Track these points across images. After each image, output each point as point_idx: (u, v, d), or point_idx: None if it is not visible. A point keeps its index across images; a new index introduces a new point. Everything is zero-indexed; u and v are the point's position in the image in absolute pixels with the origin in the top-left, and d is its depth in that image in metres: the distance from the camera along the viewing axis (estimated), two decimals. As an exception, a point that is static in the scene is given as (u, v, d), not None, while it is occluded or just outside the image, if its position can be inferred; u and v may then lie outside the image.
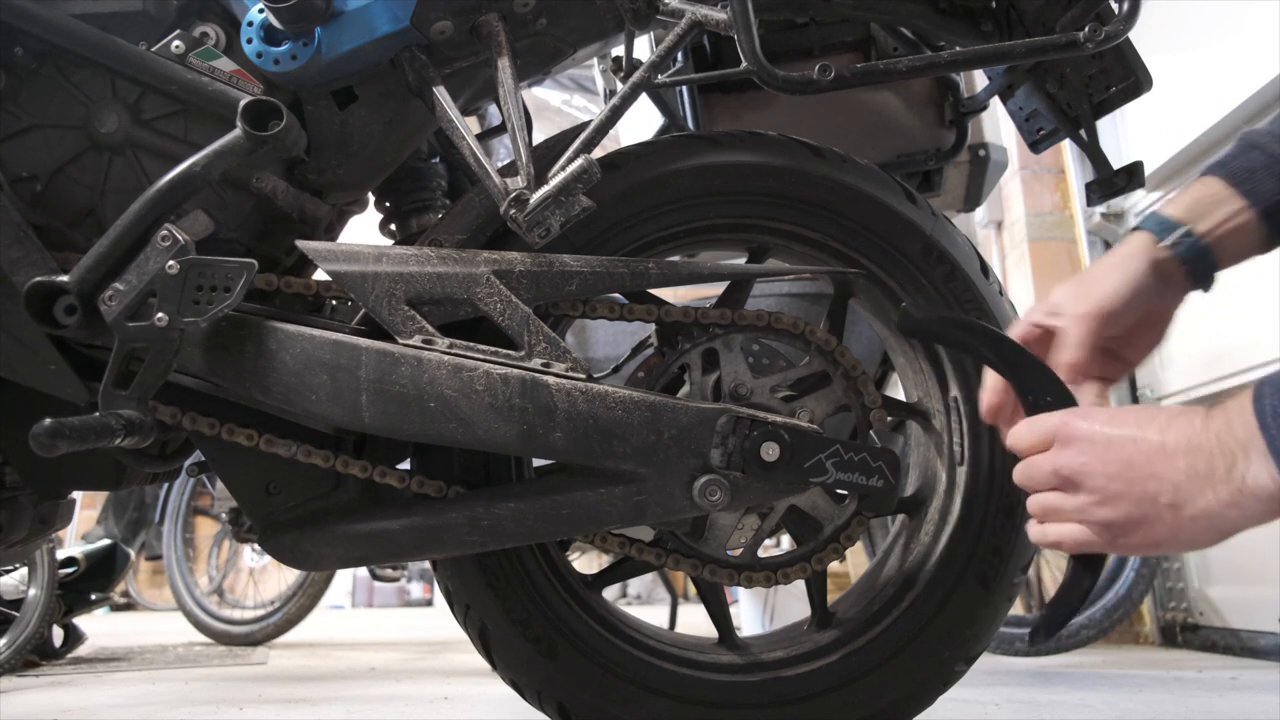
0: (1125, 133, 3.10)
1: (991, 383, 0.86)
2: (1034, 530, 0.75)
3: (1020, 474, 0.75)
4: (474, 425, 0.93)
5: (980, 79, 1.67)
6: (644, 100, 1.60)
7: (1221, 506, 0.63)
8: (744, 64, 0.96)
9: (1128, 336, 0.85)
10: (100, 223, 1.05)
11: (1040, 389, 0.78)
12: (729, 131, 1.12)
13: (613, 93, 1.03)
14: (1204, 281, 0.84)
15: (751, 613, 2.87)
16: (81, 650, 2.90)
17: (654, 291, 1.08)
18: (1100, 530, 0.69)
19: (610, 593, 6.37)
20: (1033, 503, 0.74)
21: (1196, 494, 0.64)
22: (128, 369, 0.93)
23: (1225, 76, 2.68)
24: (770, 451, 0.96)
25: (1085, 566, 0.78)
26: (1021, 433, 0.74)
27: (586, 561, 5.23)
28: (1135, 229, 0.85)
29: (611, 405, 0.95)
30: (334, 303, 1.17)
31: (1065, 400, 0.77)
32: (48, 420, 0.83)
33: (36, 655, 2.62)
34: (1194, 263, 0.82)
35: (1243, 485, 0.62)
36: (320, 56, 1.03)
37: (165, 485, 3.89)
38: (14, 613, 2.49)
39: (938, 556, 1.08)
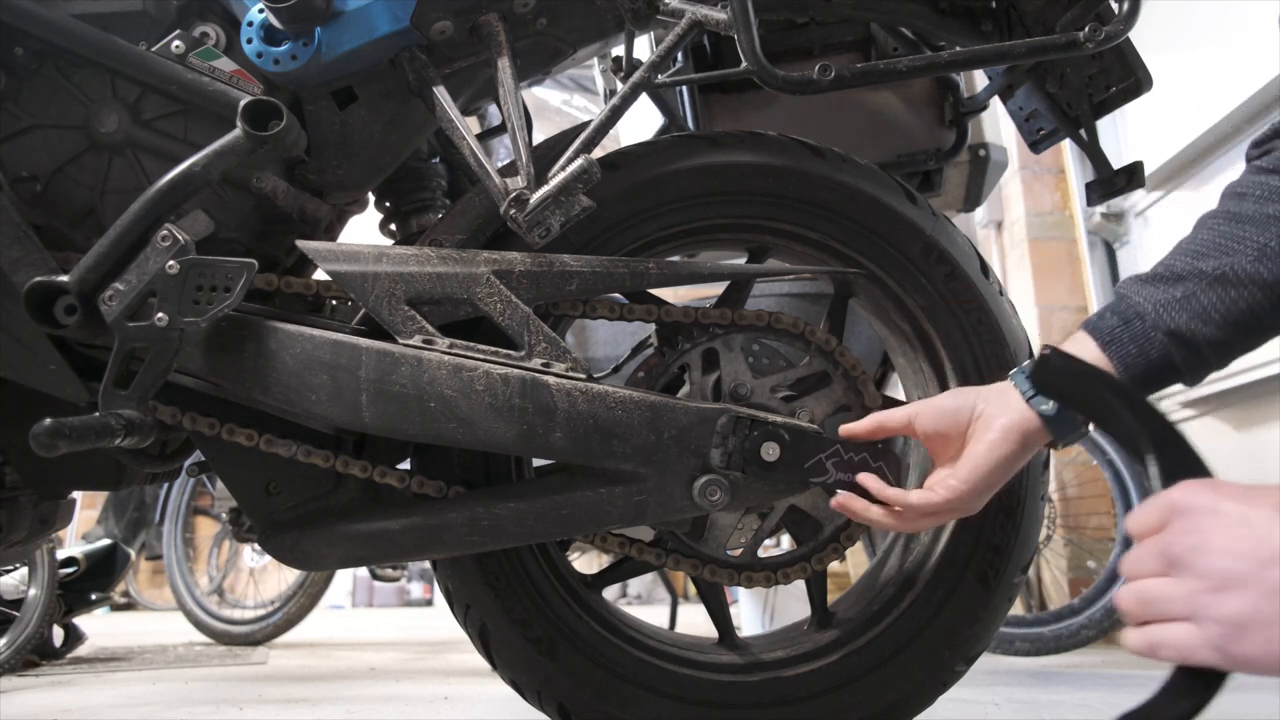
0: (1125, 133, 3.10)
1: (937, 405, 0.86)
2: (1132, 636, 0.57)
3: (1125, 564, 0.59)
4: (474, 425, 0.93)
5: (980, 79, 1.67)
6: (644, 100, 1.60)
7: None
8: (744, 64, 0.96)
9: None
10: (100, 223, 1.05)
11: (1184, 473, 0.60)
12: (729, 131, 1.12)
13: (613, 93, 1.03)
14: (1064, 440, 0.82)
15: (751, 613, 2.87)
16: (81, 650, 2.89)
17: (654, 291, 1.08)
18: (1213, 629, 0.51)
19: (610, 593, 6.37)
20: (1126, 594, 0.58)
21: None
22: (128, 369, 0.93)
23: (1225, 76, 2.68)
24: (770, 451, 0.96)
25: (1190, 684, 0.55)
26: (1138, 516, 0.59)
27: (586, 561, 5.23)
28: (1014, 381, 0.83)
29: (611, 405, 0.95)
30: (334, 303, 1.17)
31: None
32: (48, 420, 0.83)
33: (36, 655, 2.62)
34: (1060, 430, 0.81)
35: None
36: (320, 56, 1.03)
37: (165, 485, 3.89)
38: (14, 613, 2.49)
39: (938, 556, 1.08)
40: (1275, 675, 0.49)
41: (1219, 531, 0.52)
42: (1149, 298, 0.79)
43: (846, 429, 0.94)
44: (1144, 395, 0.70)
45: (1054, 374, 0.71)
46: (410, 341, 0.96)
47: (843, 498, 0.91)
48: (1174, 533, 0.55)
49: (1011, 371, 0.85)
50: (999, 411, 0.82)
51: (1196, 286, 0.77)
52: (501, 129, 1.36)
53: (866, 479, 0.92)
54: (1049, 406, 0.80)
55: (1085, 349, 0.81)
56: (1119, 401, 0.64)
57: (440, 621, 4.94)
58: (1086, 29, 0.97)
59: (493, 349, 0.97)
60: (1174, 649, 0.53)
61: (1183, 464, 0.59)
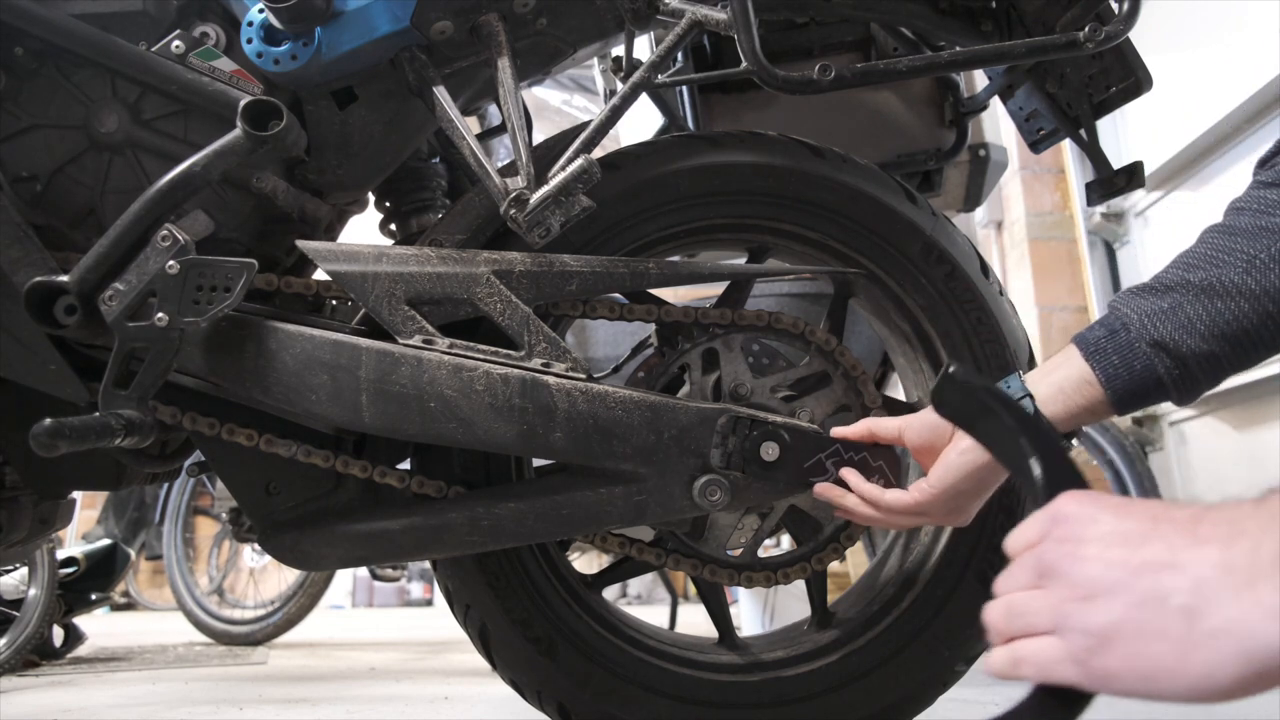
0: (1125, 133, 3.10)
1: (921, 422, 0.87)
2: (994, 656, 0.52)
3: (999, 580, 0.54)
4: (474, 425, 0.93)
5: (980, 79, 1.67)
6: (644, 100, 1.60)
7: (1263, 617, 0.41)
8: (744, 64, 0.96)
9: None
10: (100, 223, 1.05)
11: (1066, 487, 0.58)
12: (729, 131, 1.12)
13: (613, 93, 1.03)
14: None
15: (751, 613, 2.87)
16: (81, 650, 2.89)
17: (654, 291, 1.08)
18: (1076, 641, 0.47)
19: (610, 593, 6.37)
20: (992, 608, 0.53)
21: (1227, 596, 0.42)
22: (128, 369, 0.93)
23: (1225, 76, 2.68)
24: (770, 451, 0.96)
25: (1045, 705, 0.50)
26: (1016, 533, 0.55)
27: (586, 561, 5.23)
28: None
29: (611, 405, 0.95)
30: (334, 303, 1.17)
31: None
32: (48, 420, 0.83)
33: (36, 655, 2.62)
34: None
35: None
36: (320, 56, 1.03)
37: (165, 485, 3.89)
38: (14, 613, 2.49)
39: (938, 556, 1.08)
40: (1135, 695, 0.45)
41: (1093, 539, 0.49)
42: (1136, 308, 0.79)
43: (839, 431, 0.95)
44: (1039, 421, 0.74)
45: (950, 390, 0.68)
46: (410, 341, 0.96)
47: (822, 485, 0.94)
48: (1049, 541, 0.51)
49: (996, 382, 0.85)
50: None
51: (1183, 297, 0.76)
52: (501, 129, 1.36)
53: (848, 473, 0.94)
54: None
55: (1071, 361, 0.80)
56: (1007, 413, 0.62)
57: (440, 621, 4.94)
58: (1086, 29, 0.97)
59: (493, 349, 0.97)
60: (1034, 664, 0.49)
61: (1065, 478, 0.56)
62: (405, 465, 1.05)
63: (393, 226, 1.33)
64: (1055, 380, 0.81)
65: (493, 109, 1.45)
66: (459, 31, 1.04)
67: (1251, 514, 0.44)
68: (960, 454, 0.83)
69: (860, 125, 1.60)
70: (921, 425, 0.88)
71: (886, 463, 0.96)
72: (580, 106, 5.79)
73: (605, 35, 1.12)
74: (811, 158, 1.10)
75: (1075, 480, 0.56)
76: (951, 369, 0.68)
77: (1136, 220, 3.41)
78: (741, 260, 1.18)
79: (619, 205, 1.06)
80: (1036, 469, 0.57)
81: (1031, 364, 1.12)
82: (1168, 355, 0.76)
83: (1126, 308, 0.79)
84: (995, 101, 1.45)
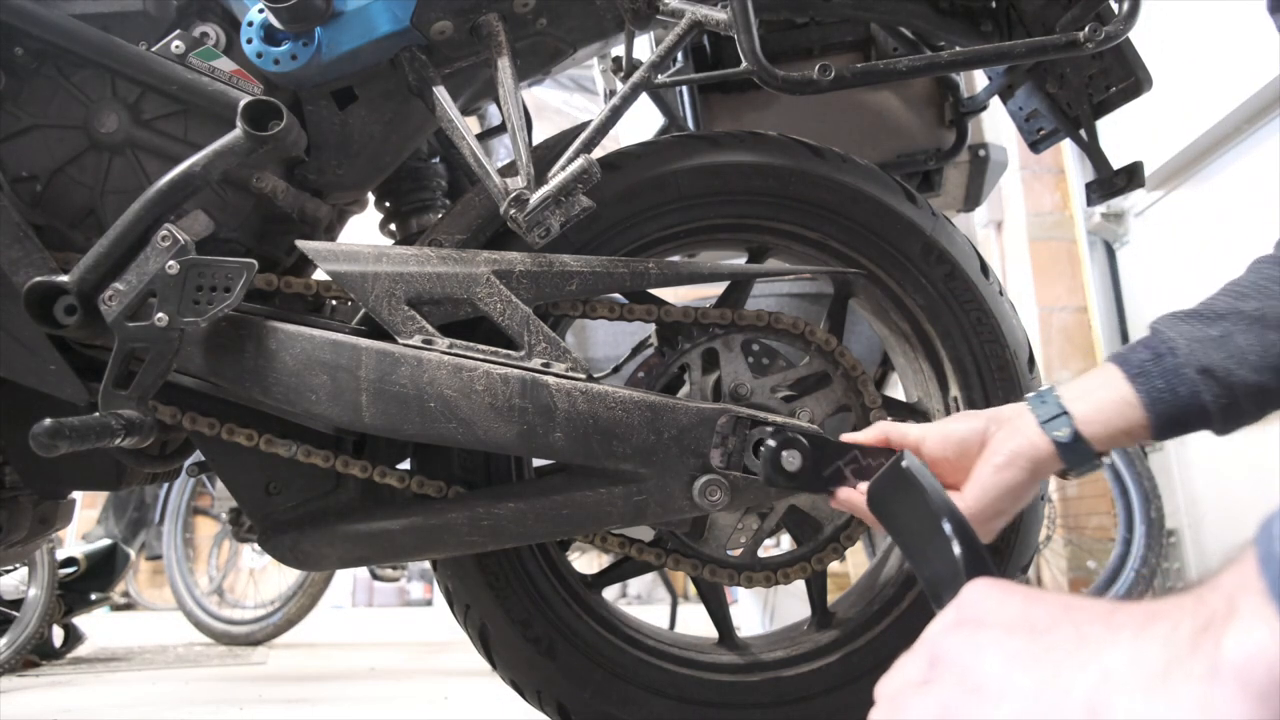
0: (1125, 133, 3.09)
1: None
2: None
3: (883, 681, 0.49)
4: (474, 425, 0.93)
5: (980, 79, 1.67)
6: (644, 100, 1.60)
7: (1171, 710, 0.34)
8: (744, 64, 0.96)
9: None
10: (100, 223, 1.05)
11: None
12: (729, 131, 1.12)
13: (613, 93, 1.02)
14: (1076, 471, 0.78)
15: (751, 613, 2.87)
16: (81, 650, 2.89)
17: (654, 291, 1.08)
18: None
19: (610, 593, 6.36)
20: (874, 714, 0.48)
21: (1138, 690, 0.35)
22: (128, 369, 0.93)
23: (1225, 76, 2.68)
24: (792, 461, 0.91)
25: None
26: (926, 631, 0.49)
27: (586, 561, 5.23)
28: (1030, 405, 0.79)
29: (611, 405, 0.95)
30: (334, 303, 1.17)
31: None
32: (48, 420, 0.83)
33: (36, 655, 2.62)
34: (1073, 459, 0.77)
35: (1216, 661, 0.33)
36: (320, 56, 1.03)
37: (165, 485, 3.89)
38: (14, 613, 2.49)
39: (938, 556, 1.08)
40: None
41: (994, 625, 0.44)
42: (1183, 333, 0.75)
43: (852, 437, 0.90)
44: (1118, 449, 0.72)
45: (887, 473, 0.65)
46: (410, 341, 0.96)
47: (846, 494, 0.88)
48: (946, 629, 0.47)
49: (1027, 395, 0.81)
50: (1009, 436, 0.78)
51: (1234, 326, 0.74)
52: (501, 129, 1.36)
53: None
54: (1064, 434, 0.76)
55: (1112, 381, 0.77)
56: (931, 497, 0.60)
57: (440, 621, 4.94)
58: (1086, 29, 0.97)
59: (493, 349, 0.97)
60: None
61: (981, 567, 0.55)
62: (405, 465, 1.05)
63: (393, 226, 1.33)
64: (1094, 401, 0.77)
65: (493, 109, 1.45)
66: (459, 31, 1.04)
67: (1175, 601, 0.38)
68: (996, 471, 0.78)
69: (860, 125, 1.60)
70: (944, 438, 0.82)
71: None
72: (580, 106, 5.79)
73: (605, 35, 1.12)
74: (811, 158, 1.10)
75: (990, 570, 0.53)
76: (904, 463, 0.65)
77: (1136, 220, 3.41)
78: (741, 260, 1.18)
79: (619, 205, 1.06)
80: (957, 550, 0.55)
81: (1031, 364, 1.12)
82: (1216, 383, 0.74)
83: (1173, 332, 0.76)
84: (995, 101, 1.45)
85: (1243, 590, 0.34)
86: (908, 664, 0.47)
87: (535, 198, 0.96)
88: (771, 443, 0.93)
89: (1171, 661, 0.35)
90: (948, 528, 0.57)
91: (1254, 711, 0.31)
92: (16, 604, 2.50)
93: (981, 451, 0.80)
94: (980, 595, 0.47)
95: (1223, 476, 2.94)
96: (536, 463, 1.11)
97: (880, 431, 0.88)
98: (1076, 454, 0.76)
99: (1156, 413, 0.75)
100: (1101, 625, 0.39)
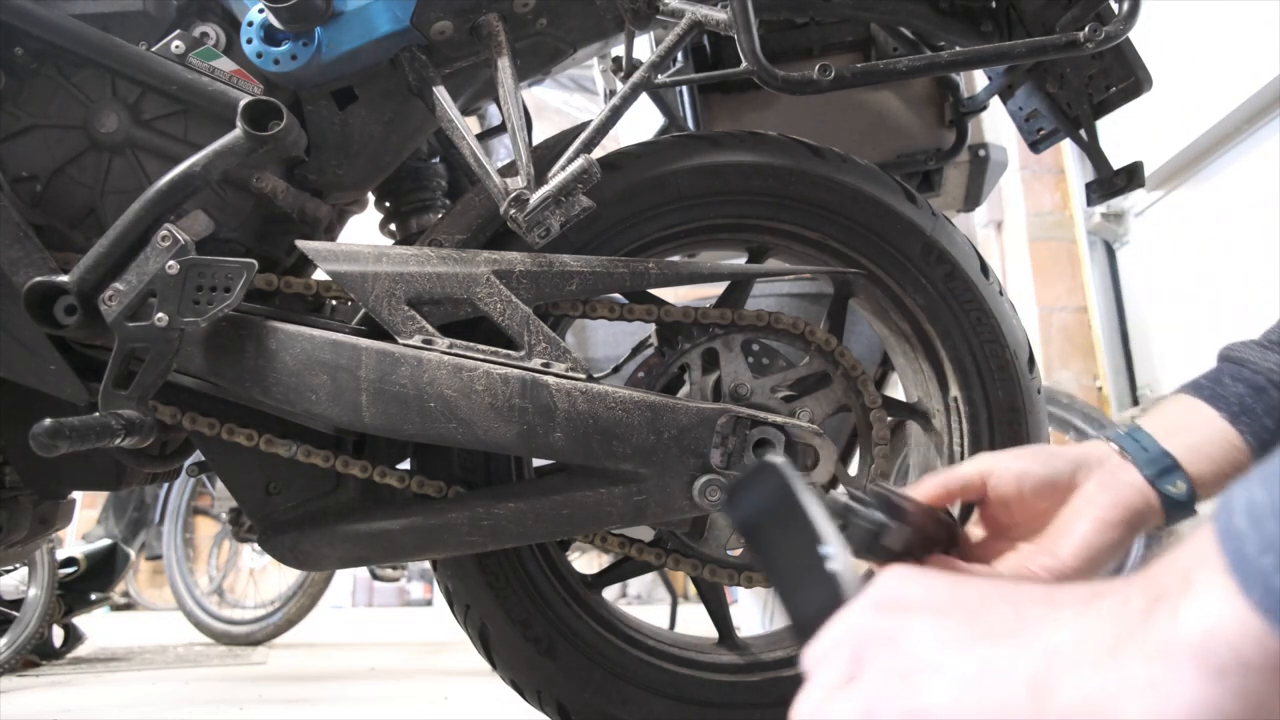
0: (1125, 133, 3.09)
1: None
2: None
3: (797, 705, 0.45)
4: (474, 425, 0.93)
5: (980, 79, 1.67)
6: (644, 100, 1.60)
7: (1121, 687, 0.32)
8: (744, 64, 0.96)
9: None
10: (100, 223, 1.05)
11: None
12: (729, 131, 1.12)
13: (613, 93, 1.02)
14: (1174, 523, 0.65)
15: (751, 613, 2.87)
16: (81, 650, 2.89)
17: (654, 291, 1.08)
18: None
19: (610, 593, 6.36)
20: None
21: (1085, 666, 0.33)
22: (128, 369, 0.93)
23: (1225, 76, 2.68)
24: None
25: None
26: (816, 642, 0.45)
27: (586, 561, 5.23)
28: (1125, 449, 0.66)
29: (611, 405, 0.95)
30: (334, 303, 1.17)
31: None
32: (48, 420, 0.83)
33: (36, 655, 2.62)
34: (1179, 516, 0.65)
35: (1171, 636, 0.31)
36: (320, 56, 1.03)
37: (165, 485, 3.89)
38: (14, 613, 2.49)
39: (938, 556, 1.08)
40: None
41: (922, 609, 0.40)
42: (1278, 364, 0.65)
43: (912, 497, 0.66)
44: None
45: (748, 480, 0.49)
46: (410, 341, 0.96)
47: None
48: (864, 623, 0.42)
49: (1117, 437, 0.67)
50: (1111, 486, 0.64)
51: None
52: (501, 129, 1.36)
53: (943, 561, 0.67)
54: (1180, 490, 0.64)
55: (1207, 421, 0.65)
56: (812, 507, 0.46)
57: (440, 621, 4.94)
58: (1086, 29, 0.97)
59: (493, 349, 0.97)
60: None
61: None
62: (405, 465, 1.05)
63: (393, 226, 1.33)
64: (1193, 443, 0.65)
65: (493, 109, 1.45)
66: (459, 31, 1.04)
67: (1123, 582, 0.35)
68: (1106, 529, 0.62)
69: (860, 125, 1.60)
70: (1020, 478, 0.65)
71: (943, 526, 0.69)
72: (580, 106, 5.79)
73: (605, 35, 1.12)
74: (811, 158, 1.10)
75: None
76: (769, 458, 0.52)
77: (1136, 220, 3.41)
78: (741, 260, 1.18)
79: (619, 205, 1.06)
80: (836, 566, 0.44)
81: (1031, 364, 1.12)
82: None
83: (1267, 362, 0.66)
84: (995, 101, 1.45)
85: (1200, 565, 0.32)
86: (823, 669, 0.42)
87: (535, 198, 0.96)
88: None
89: (1121, 637, 0.33)
90: (830, 548, 0.44)
91: (1210, 689, 0.30)
92: (16, 604, 2.50)
93: (1069, 498, 0.65)
94: (900, 579, 0.43)
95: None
96: (536, 463, 1.11)
97: (942, 488, 0.68)
98: (1184, 511, 0.64)
99: (1258, 445, 0.64)
100: (1042, 605, 0.37)
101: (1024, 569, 0.63)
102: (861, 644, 0.40)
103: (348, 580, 7.72)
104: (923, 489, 0.67)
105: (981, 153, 1.75)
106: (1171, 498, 0.63)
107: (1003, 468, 0.67)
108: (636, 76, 1.00)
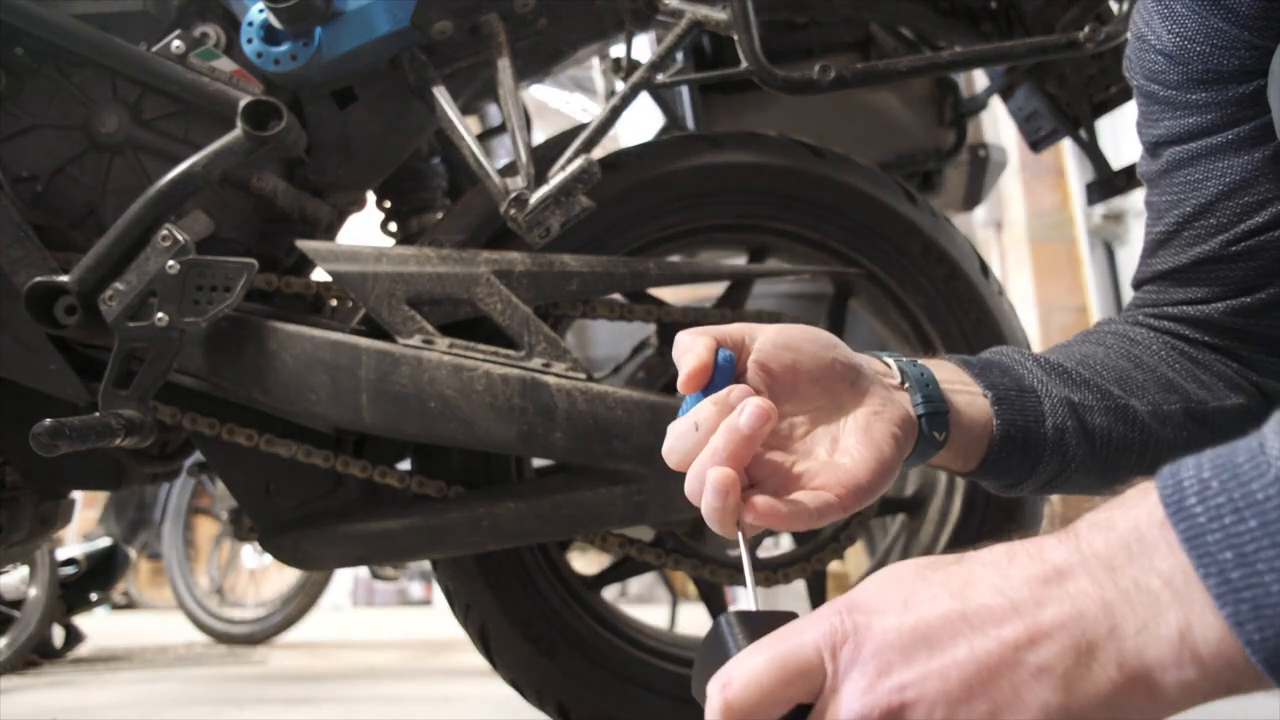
0: (1125, 133, 3.11)
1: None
2: None
3: None
4: (474, 425, 0.93)
5: (980, 79, 1.67)
6: (644, 100, 1.60)
7: (1015, 573, 0.35)
8: (744, 64, 0.96)
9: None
10: (100, 223, 1.05)
11: None
12: (729, 131, 1.12)
13: (613, 93, 1.03)
14: (910, 463, 0.59)
15: (751, 613, 2.86)
16: (81, 650, 2.89)
17: (654, 291, 1.08)
18: None
19: (610, 593, 6.36)
20: None
21: (990, 569, 0.36)
22: (128, 369, 0.93)
23: (1225, 76, 2.67)
24: None
25: None
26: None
27: (586, 561, 5.23)
28: (903, 370, 0.60)
29: (611, 405, 0.95)
30: (334, 303, 1.17)
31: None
32: (48, 420, 0.83)
33: (36, 655, 2.62)
34: (915, 462, 0.59)
35: (1072, 545, 0.34)
36: (320, 56, 1.03)
37: (165, 485, 3.89)
38: (14, 613, 2.49)
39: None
40: None
41: (901, 590, 0.38)
42: (1044, 382, 0.62)
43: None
44: None
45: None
46: (410, 341, 0.96)
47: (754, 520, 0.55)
48: (838, 624, 0.38)
49: (906, 366, 0.61)
50: (895, 402, 0.58)
51: (1094, 399, 0.62)
52: (501, 129, 1.36)
53: (760, 504, 0.55)
54: (939, 439, 0.59)
55: (969, 386, 0.61)
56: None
57: (440, 621, 4.94)
58: (1086, 29, 0.97)
59: (493, 349, 0.97)
60: None
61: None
62: (405, 465, 1.05)
63: (393, 226, 1.33)
64: (960, 404, 0.61)
65: (493, 109, 1.45)
66: (459, 32, 1.04)
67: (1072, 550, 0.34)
68: (898, 445, 0.55)
69: (860, 125, 1.60)
70: (792, 352, 0.56)
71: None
72: (580, 106, 5.79)
73: (605, 35, 1.12)
74: (811, 158, 1.10)
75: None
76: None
77: (1136, 220, 3.41)
78: (741, 260, 1.18)
79: (619, 205, 1.06)
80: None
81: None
82: (1063, 447, 0.62)
83: (1038, 375, 0.63)
84: (995, 101, 1.45)
85: (1153, 547, 0.32)
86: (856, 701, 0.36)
87: (535, 198, 0.96)
88: None
89: (1018, 551, 0.36)
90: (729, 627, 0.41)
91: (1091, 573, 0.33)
92: (17, 604, 2.50)
93: (856, 396, 0.57)
94: (869, 582, 0.40)
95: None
96: (536, 463, 1.11)
97: (708, 334, 0.59)
98: (925, 458, 0.60)
99: (1001, 437, 0.61)
100: (1039, 566, 0.36)
101: (823, 492, 0.54)
102: (840, 641, 0.38)
103: (348, 580, 7.72)
104: (690, 360, 0.57)
105: (981, 153, 1.75)
106: (931, 439, 0.58)
107: (770, 338, 0.58)
108: (636, 76, 1.00)
